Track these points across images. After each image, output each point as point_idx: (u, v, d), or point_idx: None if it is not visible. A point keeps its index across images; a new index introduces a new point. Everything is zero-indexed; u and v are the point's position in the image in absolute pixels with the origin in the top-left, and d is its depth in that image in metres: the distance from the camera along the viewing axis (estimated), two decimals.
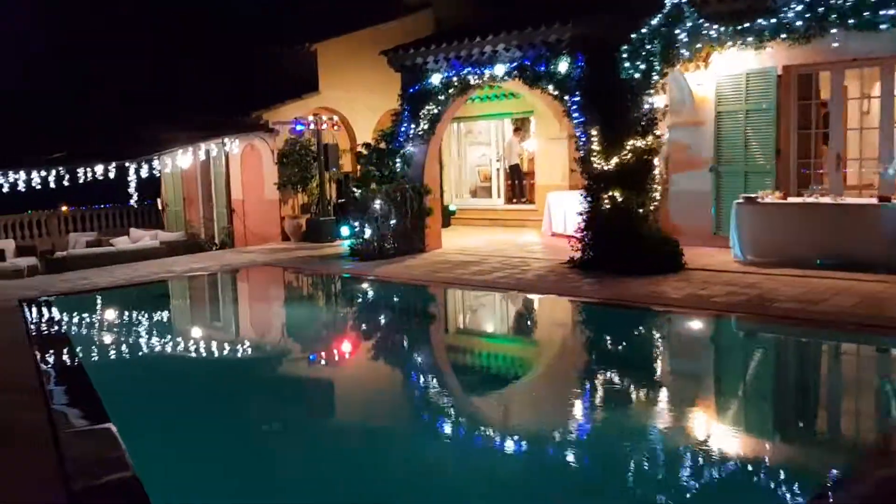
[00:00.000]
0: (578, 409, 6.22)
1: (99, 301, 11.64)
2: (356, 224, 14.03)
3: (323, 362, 8.23)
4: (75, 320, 10.34)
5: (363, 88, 18.36)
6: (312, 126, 17.13)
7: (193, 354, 8.68)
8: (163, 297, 12.60)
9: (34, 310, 10.58)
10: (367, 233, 13.90)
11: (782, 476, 4.68)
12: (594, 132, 11.57)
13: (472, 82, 13.32)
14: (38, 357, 7.44)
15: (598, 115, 11.59)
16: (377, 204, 13.75)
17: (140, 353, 8.55)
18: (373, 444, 5.47)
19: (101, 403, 5.82)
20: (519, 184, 19.67)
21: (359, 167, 15.02)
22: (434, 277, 11.65)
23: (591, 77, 11.75)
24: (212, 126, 17.03)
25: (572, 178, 17.55)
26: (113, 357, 8.42)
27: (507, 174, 19.68)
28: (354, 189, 14.38)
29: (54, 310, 10.85)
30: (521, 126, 19.93)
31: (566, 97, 11.98)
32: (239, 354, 8.58)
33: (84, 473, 4.60)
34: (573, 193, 15.81)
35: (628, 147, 11.29)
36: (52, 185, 16.14)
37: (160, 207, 20.42)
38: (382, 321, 10.45)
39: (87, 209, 24.05)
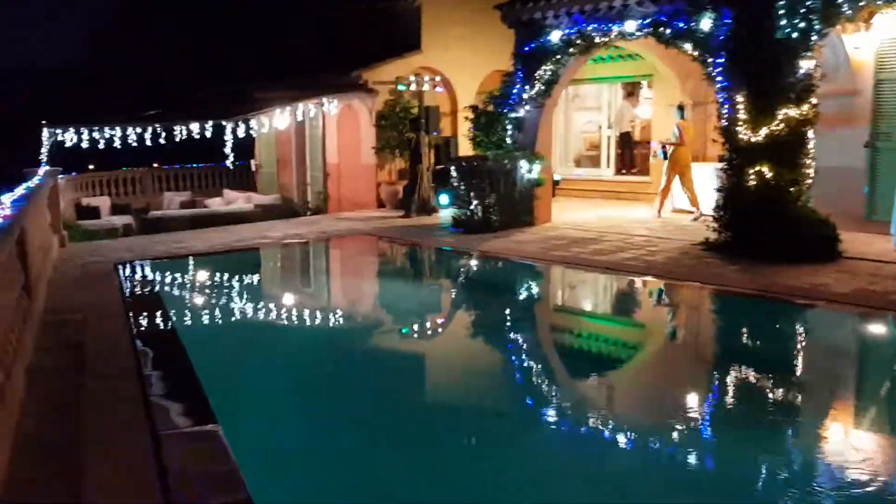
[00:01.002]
0: (777, 443, 5.06)
1: (196, 268, 11.03)
2: (461, 193, 13.04)
3: (440, 352, 7.33)
4: (173, 290, 9.71)
5: (467, 47, 17.28)
6: (413, 87, 16.17)
7: (304, 337, 7.84)
8: (261, 267, 11.98)
9: (130, 274, 10.03)
10: (473, 203, 12.90)
11: None
12: (740, 98, 10.23)
13: (596, 41, 12.07)
14: (135, 332, 6.76)
15: (746, 79, 10.24)
16: (485, 172, 12.72)
17: (246, 334, 7.70)
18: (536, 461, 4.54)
19: (204, 395, 5.05)
20: (630, 153, 18.32)
21: (468, 131, 13.98)
22: (550, 256, 10.59)
23: (738, 36, 10.37)
24: (310, 86, 16.26)
25: (695, 148, 16.22)
26: (215, 337, 7.61)
27: (617, 142, 18.35)
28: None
29: (150, 273, 10.30)
30: (632, 91, 18.55)
31: (708, 58, 10.65)
32: (351, 339, 7.80)
33: (189, 493, 3.81)
34: (702, 166, 14.48)
35: (780, 116, 9.94)
36: (148, 142, 15.66)
37: (253, 169, 19.88)
38: (503, 308, 9.22)
39: (181, 168, 23.86)
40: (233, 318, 8.36)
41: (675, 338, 8.04)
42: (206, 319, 8.31)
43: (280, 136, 18.49)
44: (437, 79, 16.97)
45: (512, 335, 7.97)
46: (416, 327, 8.27)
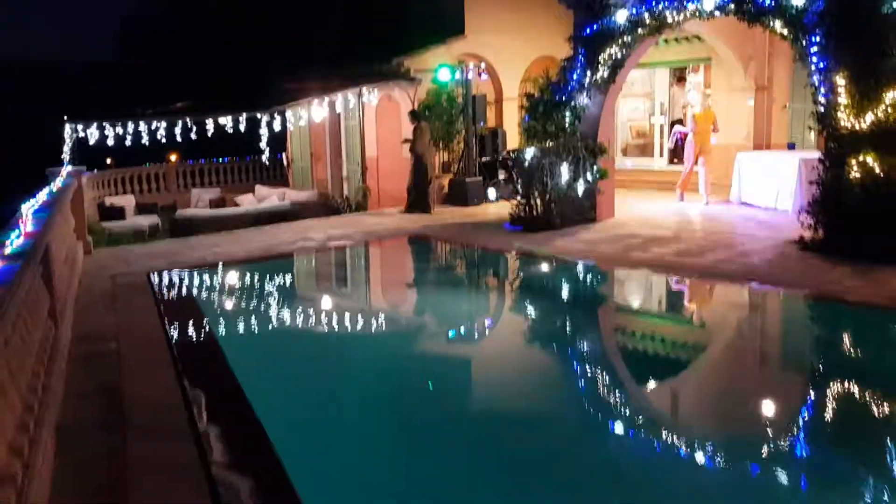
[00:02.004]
0: None
1: (240, 279, 9.94)
2: (520, 187, 11.97)
3: (551, 387, 6.23)
4: (218, 310, 8.36)
5: (513, 33, 16.18)
6: (459, 74, 15.11)
7: (404, 386, 5.95)
8: (315, 278, 10.80)
9: (166, 287, 9.08)
10: (533, 198, 11.84)
11: None
12: (841, 81, 9.08)
13: (669, 20, 10.92)
14: (181, 369, 5.75)
15: (848, 59, 9.09)
16: (546, 164, 11.64)
17: (320, 372, 6.30)
18: None
19: (280, 463, 4.04)
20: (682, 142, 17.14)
21: (523, 121, 12.89)
22: (631, 259, 9.52)
23: (838, 10, 9.21)
24: (347, 75, 15.22)
25: (757, 135, 15.08)
26: (281, 377, 6.12)
27: (670, 131, 17.18)
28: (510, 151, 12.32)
29: (188, 287, 9.32)
30: (682, 76, 17.38)
31: (802, 36, 9.49)
32: (463, 382, 6.32)
33: None
34: (775, 154, 13.34)
35: (888, 100, 8.80)
36: (178, 136, 14.71)
37: (285, 163, 18.88)
38: (598, 323, 8.20)
39: (206, 162, 22.95)
40: (299, 350, 6.92)
41: (819, 366, 6.54)
42: (264, 350, 6.97)
43: (314, 128, 17.49)
44: (482, 66, 15.89)
45: (640, 365, 6.88)
46: (529, 359, 6.83)
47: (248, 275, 10.03)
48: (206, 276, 9.78)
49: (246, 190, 18.36)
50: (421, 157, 13.89)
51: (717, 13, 10.42)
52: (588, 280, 9.81)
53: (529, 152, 11.87)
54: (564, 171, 11.73)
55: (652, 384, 6.15)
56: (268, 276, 10.09)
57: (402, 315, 8.59)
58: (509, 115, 16.55)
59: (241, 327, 7.66)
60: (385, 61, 15.11)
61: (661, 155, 17.30)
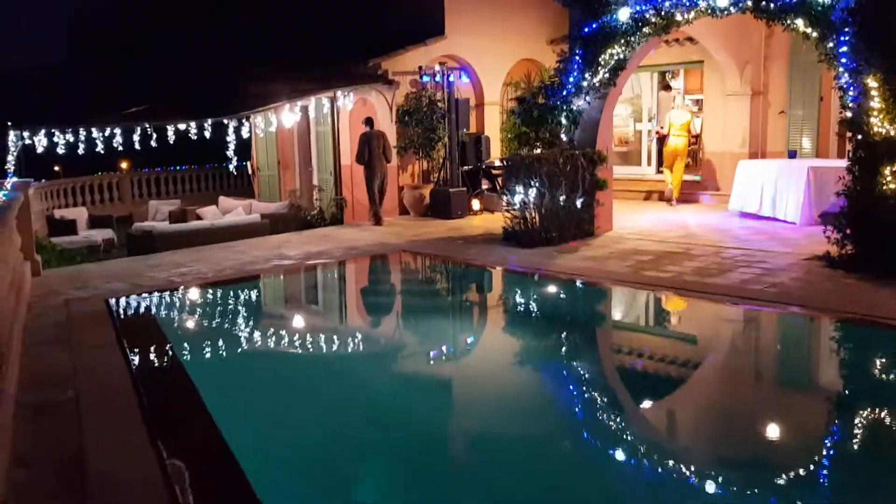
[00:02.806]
0: None
1: (213, 305, 8.76)
2: (512, 198, 11.06)
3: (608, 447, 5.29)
4: (192, 344, 7.16)
5: (494, 34, 15.32)
6: (439, 77, 14.20)
7: (418, 439, 4.95)
8: (295, 300, 9.65)
9: (128, 316, 7.95)
10: (528, 210, 10.95)
11: None
12: (873, 83, 8.36)
13: (678, 18, 10.13)
14: (154, 426, 4.68)
15: (881, 59, 8.38)
16: (544, 174, 10.76)
17: (322, 422, 5.21)
18: None
19: None
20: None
21: (513, 127, 12.03)
22: (648, 278, 8.64)
23: (869, 6, 8.51)
24: (319, 77, 14.18)
25: (752, 142, 14.44)
26: (277, 433, 4.97)
27: (657, 137, 16.48)
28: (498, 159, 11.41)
29: (154, 316, 8.17)
30: (670, 81, 16.70)
31: (828, 36, 8.77)
32: (443, 418, 5.50)
33: None
34: (777, 162, 12.65)
35: None
36: (136, 144, 13.51)
37: (250, 171, 17.70)
38: (645, 364, 7.11)
39: (164, 171, 21.71)
40: (294, 393, 5.87)
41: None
42: (250, 393, 5.87)
43: (282, 133, 16.38)
44: (463, 70, 15.00)
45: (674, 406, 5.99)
46: (551, 402, 5.88)
47: (222, 299, 8.91)
48: (173, 302, 8.64)
49: (208, 201, 17.15)
50: (367, 166, 13.15)
51: (731, 10, 9.64)
52: (608, 305, 8.87)
53: (525, 161, 10.97)
54: (564, 180, 10.87)
55: (726, 435, 5.20)
56: (244, 300, 9.01)
57: (401, 349, 7.55)
58: (491, 120, 15.67)
59: (220, 364, 6.58)
60: (360, 63, 14.10)
61: (650, 164, 16.56)
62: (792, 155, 13.17)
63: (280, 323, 8.23)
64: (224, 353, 6.84)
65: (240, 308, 8.76)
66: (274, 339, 7.46)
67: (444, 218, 13.70)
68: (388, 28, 14.80)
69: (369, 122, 13.50)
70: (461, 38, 14.90)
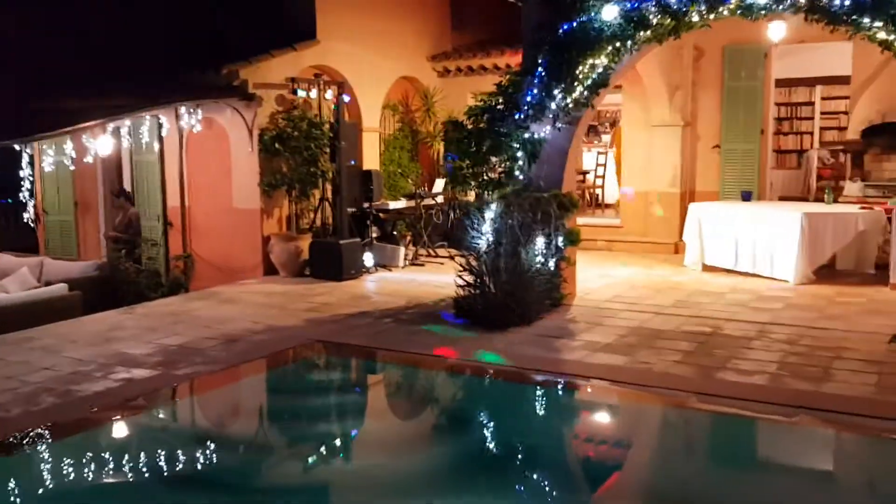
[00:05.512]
0: None
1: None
2: (471, 258, 7.92)
3: None
4: None
5: (375, 44, 12.15)
6: (314, 92, 10.76)
7: None
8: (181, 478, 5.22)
9: None
10: (486, 278, 7.85)
11: None
12: None
13: (695, 18, 7.54)
14: None
15: None
16: (516, 225, 7.73)
17: None
18: None
19: None
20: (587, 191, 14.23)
21: (445, 159, 8.89)
22: (720, 384, 5.87)
23: None
24: (143, 90, 10.17)
25: (684, 181, 12.42)
26: None
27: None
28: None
29: None
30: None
31: None
32: None
33: None
34: (750, 208, 10.54)
35: None
36: None
37: (32, 216, 12.87)
38: None
39: None
40: None
41: None
42: None
43: (79, 165, 11.94)
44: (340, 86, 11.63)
45: None
46: None
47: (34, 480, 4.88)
48: None
49: None
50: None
51: (776, 8, 7.21)
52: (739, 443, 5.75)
53: (492, 210, 7.87)
54: (538, 233, 7.91)
55: None
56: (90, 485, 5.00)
57: None
58: (370, 150, 12.40)
59: None
60: (208, 70, 10.28)
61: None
62: (746, 197, 11.21)
63: None
64: None
65: None
66: None
67: (331, 279, 10.17)
68: (245, 26, 11.04)
69: (123, 193, 11.45)
70: (337, 46, 11.53)
